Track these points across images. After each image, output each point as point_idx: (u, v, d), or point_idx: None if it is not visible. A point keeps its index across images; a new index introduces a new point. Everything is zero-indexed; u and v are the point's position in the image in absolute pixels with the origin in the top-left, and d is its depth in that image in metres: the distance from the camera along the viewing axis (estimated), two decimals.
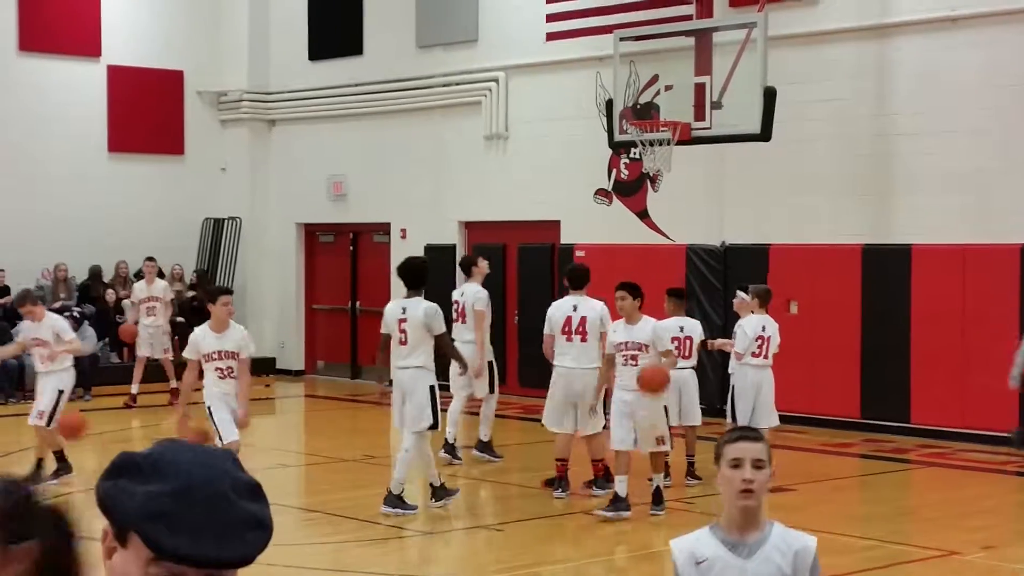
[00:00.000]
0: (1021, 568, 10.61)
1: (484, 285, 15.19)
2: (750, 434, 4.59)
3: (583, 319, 12.69)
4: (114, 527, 1.97)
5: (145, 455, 1.97)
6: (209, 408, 11.66)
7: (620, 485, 12.00)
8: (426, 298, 12.47)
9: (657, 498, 12.28)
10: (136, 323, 20.23)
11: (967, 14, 16.51)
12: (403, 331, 12.19)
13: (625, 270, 15.36)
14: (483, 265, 15.34)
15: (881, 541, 11.35)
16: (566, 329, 12.79)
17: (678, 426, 13.44)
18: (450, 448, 14.77)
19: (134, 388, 20.17)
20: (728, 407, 13.86)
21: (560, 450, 13.01)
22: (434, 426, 12.21)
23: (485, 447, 15.11)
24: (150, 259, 20.98)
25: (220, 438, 11.33)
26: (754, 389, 13.69)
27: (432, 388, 12.15)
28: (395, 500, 12.18)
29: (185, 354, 11.99)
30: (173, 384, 19.73)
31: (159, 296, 20.53)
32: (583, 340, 12.67)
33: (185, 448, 1.99)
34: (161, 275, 21.83)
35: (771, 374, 13.78)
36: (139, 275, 21.81)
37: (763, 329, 13.67)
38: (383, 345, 12.49)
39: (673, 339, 12.98)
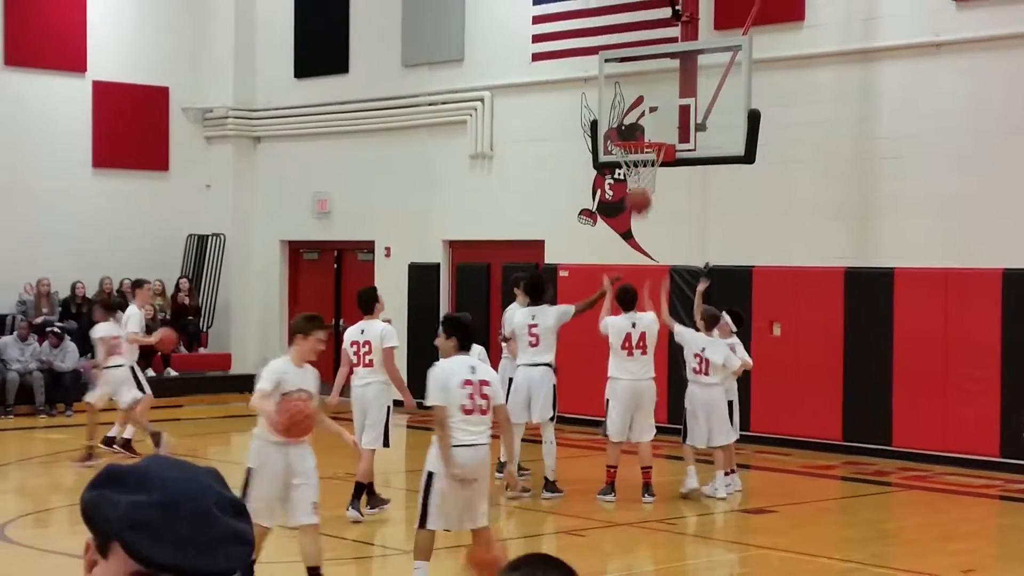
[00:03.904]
0: None
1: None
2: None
3: (643, 334, 13.62)
4: (97, 538, 1.96)
5: (132, 467, 1.98)
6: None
7: None
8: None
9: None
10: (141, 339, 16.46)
11: (951, 40, 16.59)
12: (534, 335, 13.84)
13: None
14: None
15: (862, 564, 11.35)
16: (626, 344, 13.63)
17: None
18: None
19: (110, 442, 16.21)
20: (682, 426, 14.07)
21: (614, 457, 13.72)
22: (554, 417, 13.92)
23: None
24: (142, 280, 17.80)
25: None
26: (705, 408, 13.87)
27: (554, 385, 13.89)
28: (552, 486, 13.81)
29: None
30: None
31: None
32: (643, 353, 13.67)
33: (173, 464, 2.00)
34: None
35: (722, 392, 13.92)
36: (120, 295, 21.32)
37: (703, 351, 13.89)
38: (514, 350, 14.12)
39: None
